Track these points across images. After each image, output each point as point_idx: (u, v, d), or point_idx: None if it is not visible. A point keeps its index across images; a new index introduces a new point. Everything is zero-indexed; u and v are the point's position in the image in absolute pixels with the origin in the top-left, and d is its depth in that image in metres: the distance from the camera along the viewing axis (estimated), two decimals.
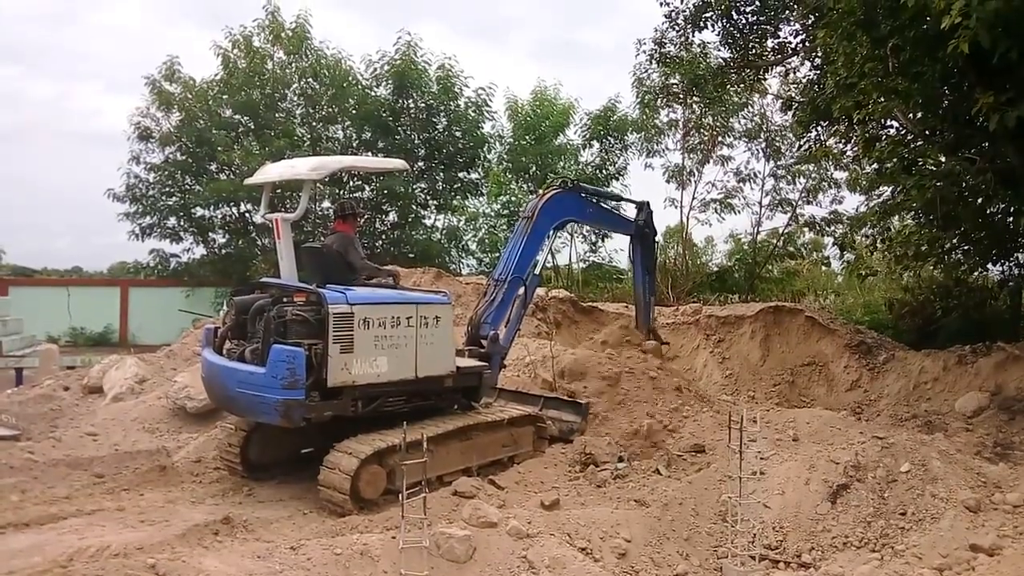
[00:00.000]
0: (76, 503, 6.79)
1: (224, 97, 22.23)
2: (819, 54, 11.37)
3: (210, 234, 23.41)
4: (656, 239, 10.87)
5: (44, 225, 66.82)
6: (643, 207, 10.41)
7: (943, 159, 9.66)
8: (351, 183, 22.39)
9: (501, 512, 5.90)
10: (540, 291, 12.55)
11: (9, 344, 14.86)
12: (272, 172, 8.04)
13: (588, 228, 24.23)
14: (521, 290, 8.74)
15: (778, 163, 20.72)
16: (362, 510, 6.59)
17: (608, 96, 32.37)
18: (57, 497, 6.93)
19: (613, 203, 11.70)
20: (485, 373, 8.09)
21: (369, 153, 22.32)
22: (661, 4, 13.65)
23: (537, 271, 9.37)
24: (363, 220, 9.25)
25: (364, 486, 6.66)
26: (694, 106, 19.53)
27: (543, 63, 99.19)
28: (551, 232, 9.68)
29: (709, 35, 13.87)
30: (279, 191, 16.52)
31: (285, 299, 7.01)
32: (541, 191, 10.07)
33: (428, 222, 24.28)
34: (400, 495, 5.06)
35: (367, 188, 22.55)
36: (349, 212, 8.61)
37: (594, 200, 10.23)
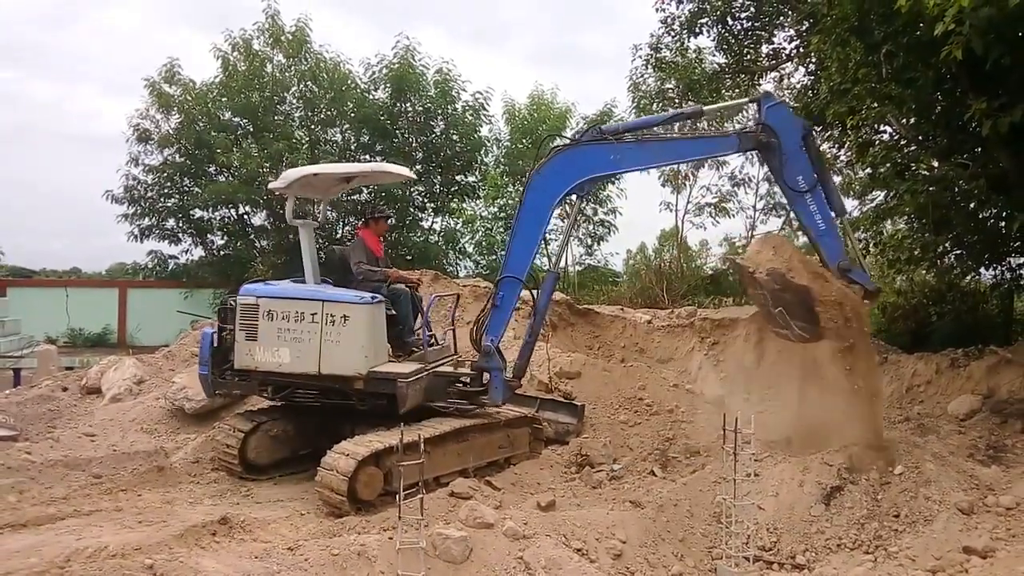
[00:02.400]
0: (74, 503, 6.81)
1: (223, 99, 22.23)
2: (813, 60, 11.43)
3: (208, 236, 23.38)
4: (808, 138, 7.42)
5: (43, 226, 66.68)
6: (760, 101, 7.57)
7: (936, 164, 9.73)
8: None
9: (497, 513, 5.93)
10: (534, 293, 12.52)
11: (7, 345, 14.89)
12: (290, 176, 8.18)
13: (585, 228, 24.38)
14: (524, 293, 7.93)
15: None
16: (359, 511, 6.63)
17: (604, 100, 32.48)
18: (55, 497, 6.95)
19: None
20: (401, 382, 7.20)
21: (367, 156, 22.35)
22: (657, 10, 13.73)
23: (559, 265, 8.44)
24: (379, 223, 8.99)
25: (361, 487, 6.70)
26: None
27: (541, 68, 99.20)
28: (553, 210, 7.83)
29: (704, 40, 13.96)
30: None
31: (230, 292, 8.18)
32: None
33: (425, 225, 24.31)
34: (397, 496, 5.10)
35: (364, 191, 22.58)
36: (369, 217, 8.90)
37: (626, 136, 7.83)
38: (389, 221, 9.20)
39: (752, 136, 7.50)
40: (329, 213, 22.56)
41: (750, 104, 8.53)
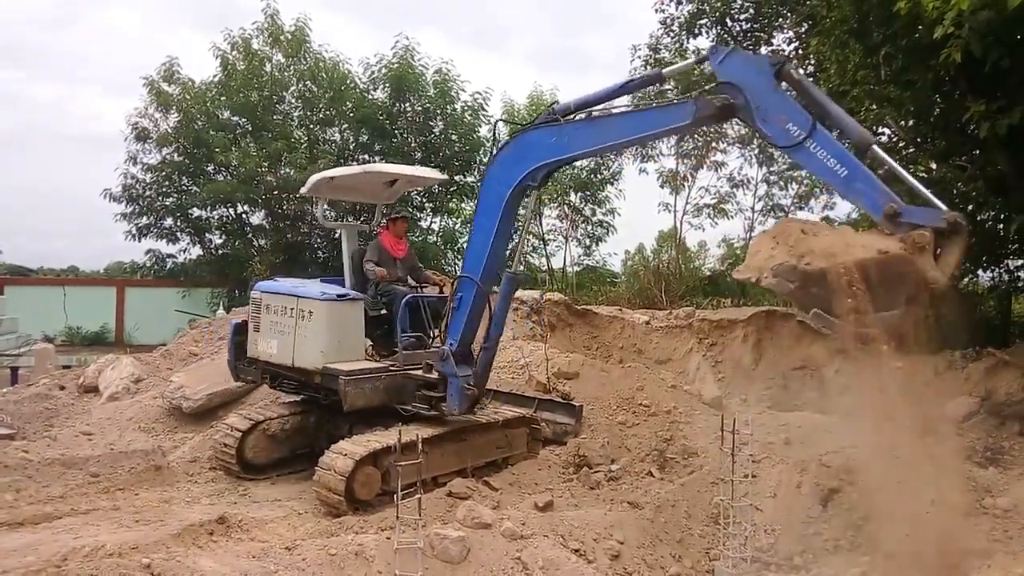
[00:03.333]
0: (71, 502, 6.82)
1: (222, 99, 22.20)
2: (812, 62, 11.42)
3: (207, 235, 23.36)
4: (782, 71, 5.84)
5: (43, 226, 66.72)
6: (709, 59, 6.19)
7: (934, 166, 9.73)
8: None
9: (495, 513, 5.94)
10: (533, 294, 12.56)
11: (5, 343, 14.87)
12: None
13: (583, 229, 24.38)
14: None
15: (771, 169, 20.83)
16: (357, 511, 6.63)
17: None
18: (52, 496, 6.95)
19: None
20: (343, 379, 7.15)
21: (366, 156, 22.34)
22: (656, 11, 13.73)
23: (514, 266, 7.40)
24: (395, 224, 8.92)
25: (359, 487, 6.71)
26: None
27: (542, 70, 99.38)
28: (510, 202, 6.99)
29: (703, 41, 13.93)
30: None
31: None
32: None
33: (424, 224, 24.30)
34: (395, 496, 5.10)
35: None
36: (388, 218, 8.94)
37: (574, 117, 6.77)
38: (405, 219, 9.05)
39: (710, 102, 5.93)
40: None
41: (699, 65, 7.12)
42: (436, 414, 7.44)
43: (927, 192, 5.48)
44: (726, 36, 13.20)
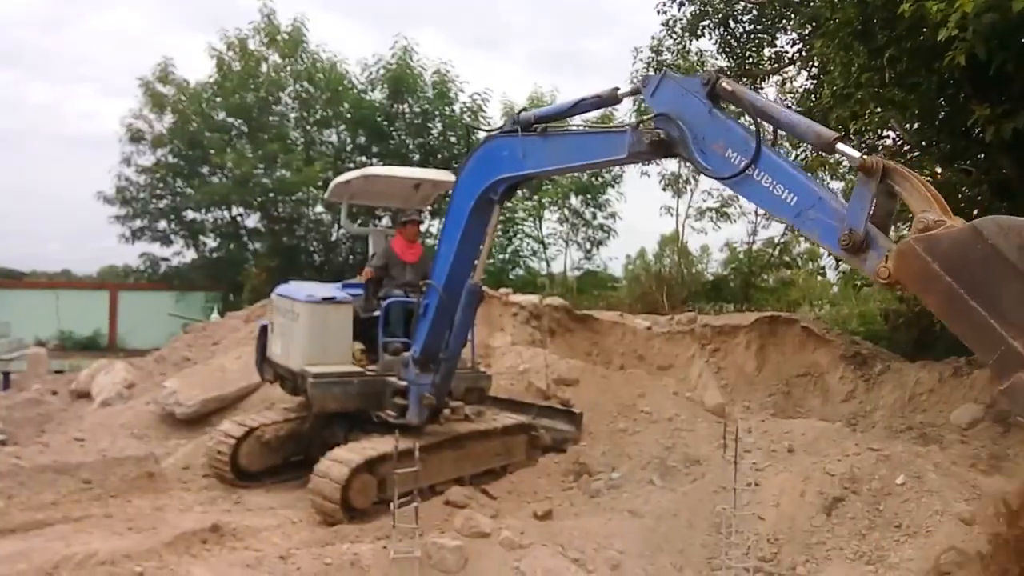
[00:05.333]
0: (63, 509, 6.74)
1: (218, 100, 22.17)
2: (816, 64, 11.40)
3: (201, 237, 23.30)
4: (715, 88, 4.87)
5: (38, 229, 66.71)
6: (641, 90, 5.50)
7: (939, 170, 9.67)
8: None
9: (493, 522, 5.89)
10: (532, 298, 12.48)
11: None
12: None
13: (584, 232, 24.28)
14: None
15: None
16: (353, 519, 6.55)
17: None
18: (44, 503, 6.88)
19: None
20: (311, 381, 7.13)
21: (363, 158, 22.29)
22: (659, 12, 13.69)
23: (475, 276, 6.77)
24: (405, 227, 8.82)
25: (355, 495, 6.62)
26: None
27: (543, 72, 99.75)
28: (470, 212, 6.58)
29: (706, 44, 13.90)
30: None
31: None
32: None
33: (422, 227, 24.23)
34: (391, 504, 5.04)
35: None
36: (400, 222, 8.86)
37: (534, 128, 6.10)
38: (416, 222, 8.89)
39: (641, 137, 5.14)
40: (326, 216, 22.52)
41: (631, 96, 5.94)
42: (402, 422, 7.14)
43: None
44: (729, 38, 13.17)
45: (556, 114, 6.26)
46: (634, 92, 5.82)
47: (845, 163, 10.44)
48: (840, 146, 4.18)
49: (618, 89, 5.86)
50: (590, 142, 5.90)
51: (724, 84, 4.91)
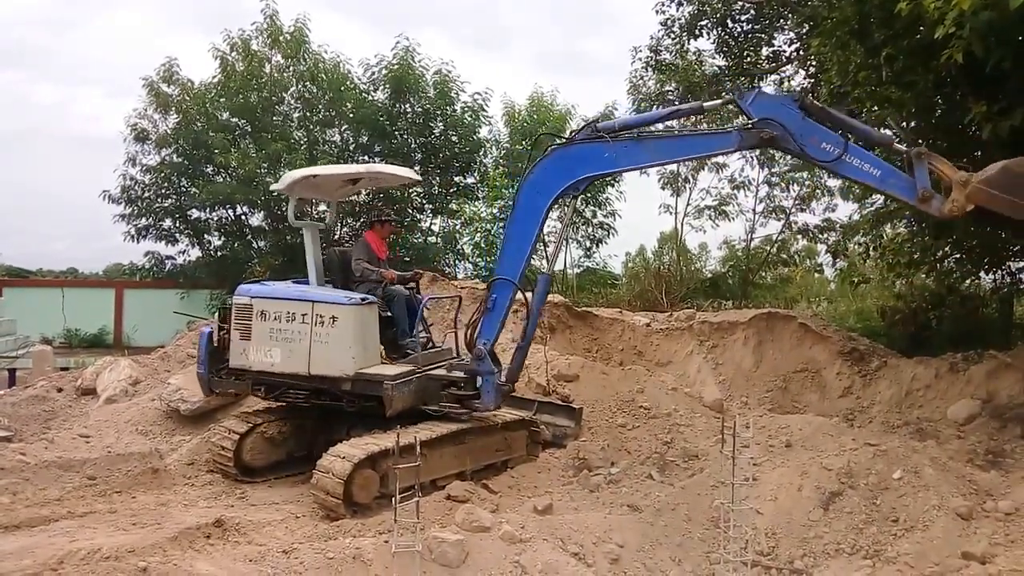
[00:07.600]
0: (68, 505, 6.79)
1: (221, 100, 22.18)
2: (813, 63, 11.42)
3: (206, 236, 23.32)
4: (805, 103, 6.99)
5: (44, 228, 66.72)
6: (739, 103, 7.17)
7: None
8: None
9: (494, 517, 5.92)
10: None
11: (2, 345, 14.83)
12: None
13: (584, 228, 24.24)
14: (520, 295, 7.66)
15: (772, 170, 20.84)
16: (355, 514, 6.60)
17: (605, 103, 32.42)
18: (48, 499, 6.93)
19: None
20: (388, 384, 7.19)
21: (366, 157, 22.30)
22: (657, 12, 13.73)
23: (553, 267, 7.89)
24: (384, 226, 9.01)
25: (357, 490, 6.67)
26: None
27: (544, 72, 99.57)
28: (548, 210, 7.51)
29: (704, 43, 13.97)
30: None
31: (228, 292, 8.19)
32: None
33: (424, 225, 24.26)
34: (393, 499, 5.07)
35: (363, 193, 22.55)
36: (374, 219, 9.00)
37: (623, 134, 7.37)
38: (394, 223, 9.08)
39: (754, 134, 6.99)
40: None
41: (728, 106, 8.30)
42: (468, 412, 7.57)
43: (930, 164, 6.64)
44: (727, 37, 13.20)
45: (645, 121, 7.90)
46: (725, 104, 8.69)
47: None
48: (896, 145, 7.03)
49: (703, 103, 8.44)
50: (698, 141, 7.97)
51: (811, 100, 7.16)
